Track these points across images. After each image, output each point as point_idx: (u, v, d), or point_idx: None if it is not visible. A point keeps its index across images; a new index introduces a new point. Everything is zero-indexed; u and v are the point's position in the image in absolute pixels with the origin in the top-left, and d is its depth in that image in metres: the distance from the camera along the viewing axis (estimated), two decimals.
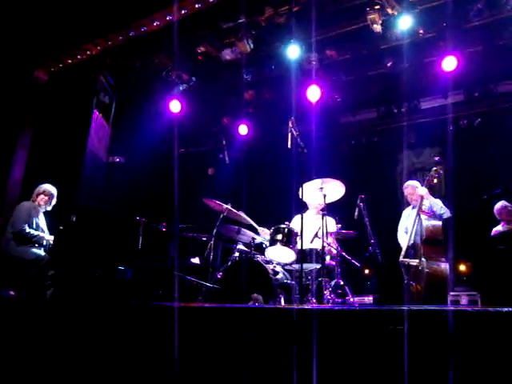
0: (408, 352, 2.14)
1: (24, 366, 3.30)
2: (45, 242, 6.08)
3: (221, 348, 2.66)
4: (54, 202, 6.36)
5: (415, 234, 5.47)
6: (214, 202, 5.82)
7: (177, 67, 8.26)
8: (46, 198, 6.28)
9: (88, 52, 7.81)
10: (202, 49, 7.85)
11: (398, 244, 6.02)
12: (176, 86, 8.73)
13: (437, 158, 5.78)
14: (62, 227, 5.55)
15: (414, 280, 5.25)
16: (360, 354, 2.31)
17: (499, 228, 6.42)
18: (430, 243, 5.22)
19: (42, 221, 6.27)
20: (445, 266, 5.12)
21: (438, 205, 5.73)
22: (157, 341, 2.88)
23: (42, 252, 5.97)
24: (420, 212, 5.54)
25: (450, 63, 7.36)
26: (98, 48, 7.73)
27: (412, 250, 5.50)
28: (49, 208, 6.34)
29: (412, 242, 5.49)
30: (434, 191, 6.08)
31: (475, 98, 8.72)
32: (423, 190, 5.68)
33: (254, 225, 5.99)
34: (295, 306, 3.49)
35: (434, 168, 5.66)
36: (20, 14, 7.30)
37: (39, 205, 6.23)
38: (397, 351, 2.19)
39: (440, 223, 5.35)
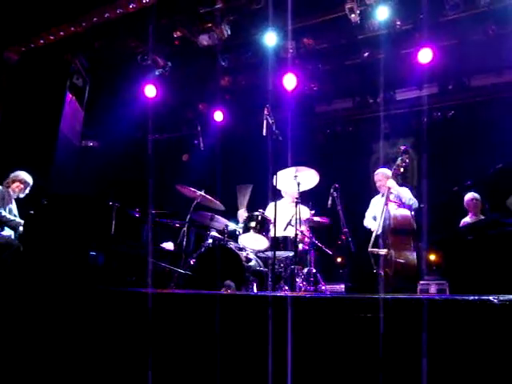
0: (377, 339, 2.18)
1: None
2: (20, 228, 5.98)
3: (193, 334, 2.66)
4: (27, 191, 6.26)
5: (383, 223, 5.51)
6: (188, 189, 5.79)
7: (152, 51, 8.14)
8: (22, 186, 6.18)
9: (61, 33, 7.64)
10: (178, 33, 7.75)
11: (371, 232, 6.08)
12: (151, 70, 8.61)
13: (403, 148, 5.76)
14: (32, 212, 5.46)
15: (383, 269, 5.31)
16: (331, 341, 2.34)
17: (467, 219, 6.56)
18: (397, 233, 5.25)
19: (14, 206, 6.16)
20: (412, 256, 5.16)
21: (407, 196, 5.74)
22: (129, 327, 2.86)
23: (12, 236, 5.87)
24: (388, 201, 5.57)
25: (425, 55, 7.43)
26: (72, 29, 7.56)
27: (381, 239, 5.54)
28: (21, 195, 6.23)
29: (380, 231, 5.54)
30: (406, 180, 6.13)
31: (449, 90, 8.86)
32: (391, 183, 5.70)
33: (244, 203, 5.97)
34: (268, 293, 3.51)
35: (400, 158, 5.64)
36: None
37: (13, 191, 6.12)
38: (367, 338, 2.22)
39: (408, 213, 5.38)
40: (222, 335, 2.54)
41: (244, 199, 5.98)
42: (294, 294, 4.66)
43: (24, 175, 6.21)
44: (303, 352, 2.36)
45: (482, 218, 6.44)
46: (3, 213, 5.85)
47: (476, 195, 6.62)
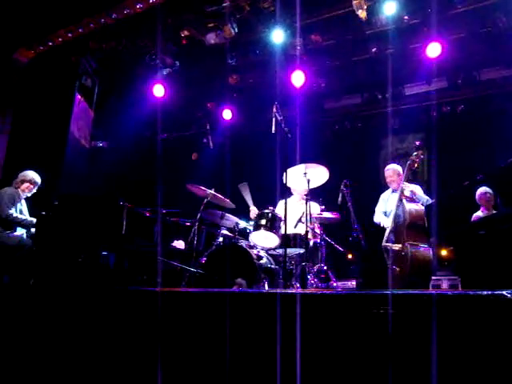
0: (391, 335, 2.17)
1: (7, 353, 3.28)
2: (33, 230, 6.03)
3: (203, 333, 2.67)
4: (35, 190, 6.31)
5: (397, 219, 5.49)
6: (198, 188, 5.80)
7: (160, 51, 8.16)
8: (32, 186, 6.23)
9: (70, 34, 7.69)
10: (186, 33, 7.77)
11: (381, 228, 6.06)
12: (160, 70, 8.63)
13: (417, 143, 5.78)
14: (43, 212, 5.50)
15: (396, 264, 5.30)
16: (343, 338, 2.33)
17: (479, 213, 6.50)
18: (412, 228, 5.25)
19: (24, 206, 6.21)
20: (427, 251, 5.16)
21: (422, 197, 5.75)
22: (139, 326, 2.87)
23: (24, 237, 5.93)
24: (402, 197, 5.56)
25: (434, 50, 7.38)
26: (80, 30, 7.60)
27: (393, 235, 5.53)
28: (29, 195, 6.28)
29: (394, 226, 5.52)
30: (416, 176, 6.11)
31: (458, 84, 8.78)
32: (407, 192, 5.65)
33: (250, 202, 5.98)
34: (279, 290, 3.51)
35: (415, 153, 5.63)
36: None
37: (22, 191, 6.17)
38: (380, 334, 2.22)
39: (422, 208, 5.38)
40: (231, 334, 2.54)
41: (248, 196, 5.98)
42: (303, 291, 4.65)
43: (33, 175, 6.26)
44: (313, 349, 2.35)
45: (494, 212, 6.39)
46: (14, 214, 5.89)
47: (488, 189, 6.55)
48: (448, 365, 2.08)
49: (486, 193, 6.52)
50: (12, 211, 5.89)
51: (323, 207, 5.76)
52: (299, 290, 4.75)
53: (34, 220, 6.02)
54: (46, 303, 3.35)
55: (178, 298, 2.90)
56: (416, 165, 5.68)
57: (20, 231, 6.02)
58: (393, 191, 6.11)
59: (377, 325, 2.24)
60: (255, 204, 6.03)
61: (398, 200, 5.57)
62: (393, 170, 6.16)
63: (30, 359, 3.18)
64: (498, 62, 8.42)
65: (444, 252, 7.98)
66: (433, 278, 6.96)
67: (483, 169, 7.18)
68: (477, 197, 6.55)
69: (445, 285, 6.90)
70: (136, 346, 2.84)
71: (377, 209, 6.35)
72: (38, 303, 3.38)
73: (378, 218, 6.25)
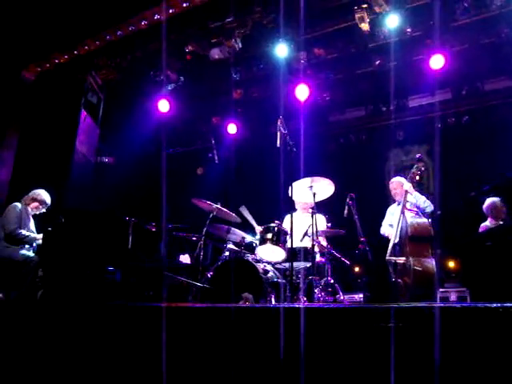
0: (398, 349, 2.15)
1: (14, 369, 3.27)
2: (35, 243, 6.05)
3: (211, 348, 2.65)
4: (44, 210, 6.33)
5: (400, 232, 5.48)
6: (203, 202, 5.81)
7: (165, 66, 8.23)
8: (41, 206, 6.27)
9: (75, 52, 7.79)
10: (190, 48, 7.82)
11: (388, 241, 6.04)
12: (164, 85, 8.69)
13: (417, 156, 5.81)
14: (50, 228, 5.51)
15: (401, 277, 5.27)
16: (351, 352, 2.31)
17: (487, 223, 6.47)
18: (415, 240, 5.22)
19: (31, 223, 6.24)
20: (431, 263, 5.13)
21: (422, 198, 5.76)
22: (146, 342, 2.86)
23: (31, 253, 5.94)
24: (404, 209, 5.55)
25: (437, 61, 7.40)
26: (86, 48, 7.70)
27: (398, 248, 5.52)
28: (37, 213, 6.31)
29: (398, 239, 5.51)
30: (422, 188, 6.10)
31: (462, 95, 8.80)
32: (407, 185, 5.70)
33: (253, 223, 5.98)
34: (280, 305, 3.49)
35: (416, 165, 5.67)
36: (7, 15, 7.23)
37: (31, 209, 6.20)
38: (388, 348, 2.19)
39: (425, 220, 5.35)
40: (238, 348, 2.53)
41: (250, 217, 5.98)
42: (307, 304, 4.63)
43: (44, 196, 6.28)
44: (320, 363, 2.33)
45: (501, 223, 6.35)
46: (18, 230, 5.91)
47: (496, 200, 6.53)
48: (457, 379, 2.06)
49: (493, 203, 6.49)
50: (16, 227, 5.90)
51: (329, 225, 5.75)
52: (306, 304, 4.72)
53: (38, 236, 6.05)
54: (52, 318, 3.35)
55: (183, 314, 2.89)
56: (417, 177, 5.70)
57: (27, 247, 6.03)
58: (398, 204, 6.10)
59: (384, 339, 2.22)
60: (261, 218, 6.02)
61: (400, 213, 5.57)
62: (397, 182, 6.17)
63: (38, 374, 3.17)
64: (501, 72, 8.43)
65: (451, 263, 7.93)
66: (441, 290, 6.92)
67: (489, 179, 7.15)
68: (484, 207, 6.51)
69: (453, 297, 6.84)
70: (142, 361, 2.83)
71: (384, 222, 6.35)
72: (45, 319, 3.38)
73: (384, 229, 6.24)
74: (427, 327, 2.14)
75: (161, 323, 2.74)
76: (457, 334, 2.10)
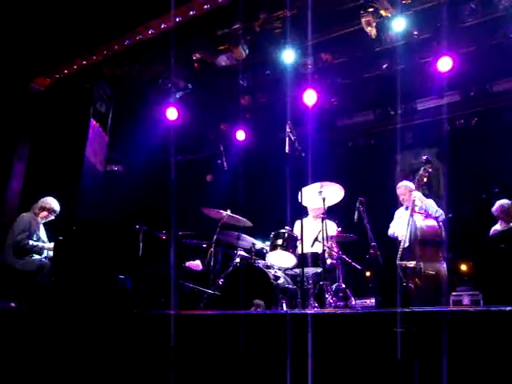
0: (412, 353, 2.13)
1: (26, 377, 3.28)
2: (45, 253, 6.07)
3: (217, 355, 2.65)
4: (53, 218, 6.36)
5: (410, 236, 5.44)
6: (213, 211, 5.82)
7: (173, 74, 8.27)
8: (50, 215, 6.29)
9: (84, 62, 7.84)
10: (197, 55, 7.86)
11: (398, 246, 6.00)
12: (172, 93, 8.73)
13: (424, 157, 5.74)
14: (61, 238, 5.54)
15: (412, 281, 5.24)
16: (363, 357, 2.30)
17: (498, 227, 6.41)
18: (425, 244, 5.19)
19: (42, 231, 6.26)
20: (442, 267, 5.09)
21: (433, 207, 5.68)
22: (157, 349, 2.87)
23: (43, 260, 5.96)
24: (413, 213, 5.51)
25: (445, 64, 7.37)
26: (94, 58, 7.75)
27: (408, 252, 5.48)
28: (46, 220, 6.33)
29: (407, 243, 5.47)
30: (431, 190, 6.05)
31: (471, 97, 8.74)
32: (416, 194, 5.65)
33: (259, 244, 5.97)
34: (287, 311, 3.48)
35: (423, 167, 5.63)
36: (16, 26, 7.31)
37: (40, 218, 6.23)
38: (401, 353, 2.18)
39: (435, 223, 5.31)
40: (245, 355, 2.52)
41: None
42: (318, 311, 4.62)
43: (53, 204, 6.31)
44: (331, 371, 2.32)
45: None
46: (26, 240, 5.92)
47: (506, 202, 6.47)
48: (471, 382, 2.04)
49: (503, 205, 6.43)
50: (23, 237, 5.92)
51: (339, 229, 5.73)
52: (316, 310, 4.71)
53: (47, 245, 6.07)
54: (64, 327, 3.36)
55: (194, 321, 2.89)
56: (425, 179, 5.66)
57: (37, 257, 6.05)
58: (406, 208, 6.06)
59: (397, 343, 2.20)
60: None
61: (409, 216, 5.53)
62: (404, 187, 6.13)
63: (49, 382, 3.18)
64: (510, 73, 8.36)
65: (464, 267, 7.87)
66: (453, 293, 6.85)
67: (500, 181, 7.10)
68: (495, 210, 6.46)
69: (466, 300, 6.77)
70: (153, 368, 2.83)
71: (391, 224, 6.31)
72: (57, 327, 3.39)
73: (392, 230, 6.20)
74: (443, 331, 2.13)
75: (171, 331, 2.75)
76: (472, 337, 2.08)
